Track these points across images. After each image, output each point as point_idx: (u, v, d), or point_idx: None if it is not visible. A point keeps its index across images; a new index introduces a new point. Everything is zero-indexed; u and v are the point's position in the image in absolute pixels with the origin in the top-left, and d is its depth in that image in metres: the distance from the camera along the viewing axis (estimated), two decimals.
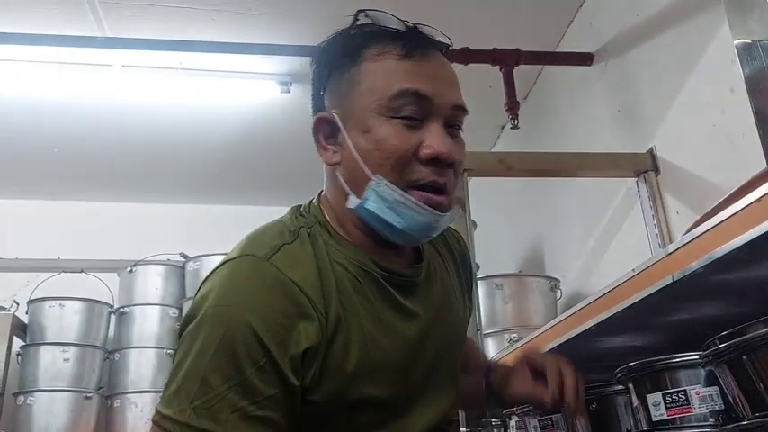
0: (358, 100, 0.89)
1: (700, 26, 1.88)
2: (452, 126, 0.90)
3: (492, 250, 2.91)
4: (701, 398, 0.94)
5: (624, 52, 2.27)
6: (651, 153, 2.07)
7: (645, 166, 2.05)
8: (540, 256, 2.83)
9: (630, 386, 1.03)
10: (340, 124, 0.90)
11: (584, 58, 2.42)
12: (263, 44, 2.42)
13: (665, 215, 2.00)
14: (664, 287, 0.94)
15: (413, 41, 0.90)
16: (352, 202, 0.89)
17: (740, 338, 0.79)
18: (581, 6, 2.51)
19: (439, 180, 0.87)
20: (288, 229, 0.90)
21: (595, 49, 2.41)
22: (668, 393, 0.97)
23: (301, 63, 2.69)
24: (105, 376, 3.35)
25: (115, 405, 3.28)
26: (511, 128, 2.28)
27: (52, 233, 3.81)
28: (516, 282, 2.48)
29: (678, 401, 0.96)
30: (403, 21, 0.93)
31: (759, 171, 1.06)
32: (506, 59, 2.32)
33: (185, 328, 0.82)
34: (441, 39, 0.94)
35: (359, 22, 0.94)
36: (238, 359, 0.77)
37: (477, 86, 2.70)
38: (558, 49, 2.56)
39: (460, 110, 0.90)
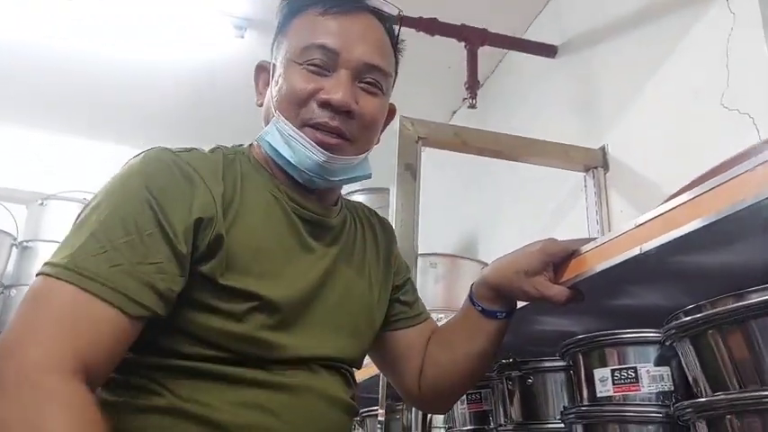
0: (283, 50, 0.98)
1: (665, 31, 1.88)
2: (367, 83, 0.97)
3: (432, 227, 2.86)
4: (651, 377, 0.90)
5: (588, 49, 2.25)
6: (603, 150, 2.06)
7: (595, 162, 2.04)
8: (477, 239, 2.81)
9: (579, 359, 0.99)
10: (270, 73, 1.00)
11: (549, 50, 2.40)
12: None
13: (608, 212, 2.00)
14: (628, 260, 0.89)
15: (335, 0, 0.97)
16: (258, 135, 0.99)
17: (709, 311, 0.74)
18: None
19: (330, 122, 0.93)
20: (204, 149, 0.97)
21: (560, 43, 2.40)
22: (617, 369, 0.93)
23: (257, 9, 2.56)
24: None
25: None
26: (468, 107, 2.24)
27: None
28: (450, 262, 2.43)
29: (627, 378, 0.92)
30: None
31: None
32: (472, 37, 2.28)
33: (88, 204, 0.87)
34: (377, 5, 1.01)
35: None
36: (128, 224, 0.82)
37: (436, 65, 2.66)
38: (524, 37, 2.53)
39: (372, 68, 0.97)
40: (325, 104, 0.93)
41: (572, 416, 0.98)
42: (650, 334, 0.92)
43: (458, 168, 2.91)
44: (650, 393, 0.89)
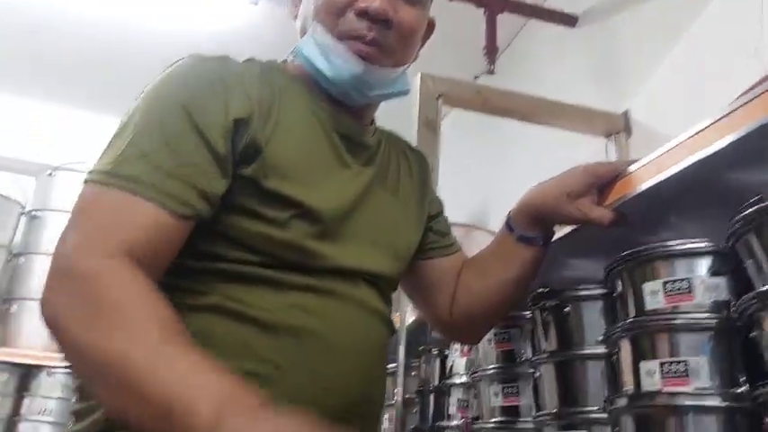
0: None
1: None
2: None
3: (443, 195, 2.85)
4: (705, 286, 0.89)
5: (609, 17, 2.25)
6: (626, 115, 2.05)
7: (617, 128, 2.03)
8: (489, 209, 2.79)
9: (625, 276, 0.97)
10: None
11: (569, 19, 2.39)
12: None
13: None
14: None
15: None
16: (294, 48, 0.96)
17: None
18: None
19: (368, 33, 0.91)
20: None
21: (581, 11, 2.39)
22: (669, 281, 0.91)
23: None
24: (5, 279, 3.09)
25: (12, 310, 3.03)
26: (487, 72, 2.22)
27: None
28: (464, 233, 2.41)
29: (679, 289, 0.90)
30: None
31: None
32: (492, 4, 2.27)
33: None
34: None
35: None
36: (165, 128, 0.81)
37: (458, 29, 2.64)
38: (544, 6, 2.53)
39: None
40: (362, 13, 0.91)
41: (617, 332, 0.96)
42: (703, 244, 0.90)
43: (471, 135, 2.88)
44: (704, 303, 0.88)
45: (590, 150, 2.15)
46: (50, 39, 3.10)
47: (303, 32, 0.97)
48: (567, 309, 1.12)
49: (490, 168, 2.87)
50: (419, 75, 1.81)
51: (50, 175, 3.26)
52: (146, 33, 3.02)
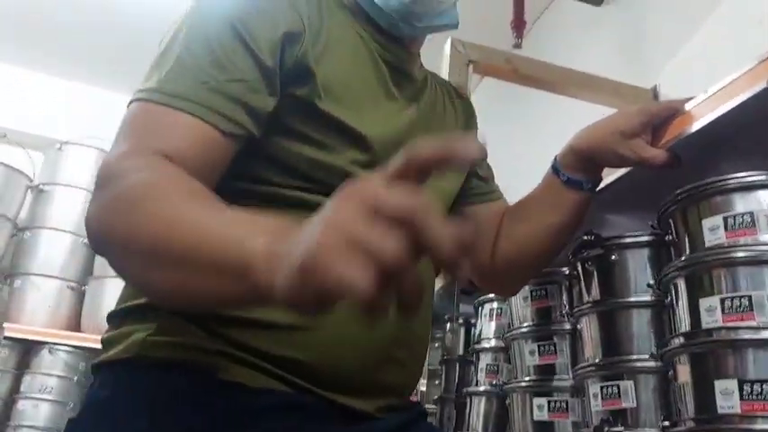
0: None
1: None
2: None
3: None
4: None
5: None
6: (654, 90, 2.01)
7: (647, 102, 1.99)
8: (515, 178, 2.74)
9: (679, 216, 0.93)
10: None
11: None
12: None
13: None
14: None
15: None
16: None
17: None
18: None
19: None
20: None
21: None
22: (731, 216, 0.87)
23: None
24: (10, 254, 3.04)
25: (15, 285, 2.98)
26: (513, 46, 2.18)
27: None
28: None
29: (742, 224, 0.86)
30: None
31: None
32: None
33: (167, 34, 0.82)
34: None
35: None
36: (212, 43, 0.77)
37: (482, 7, 2.61)
38: None
39: None
40: None
41: (672, 271, 0.92)
42: (764, 176, 0.86)
43: (500, 104, 2.82)
44: None
45: None
46: (62, 15, 3.06)
47: None
48: (613, 257, 1.07)
49: (518, 139, 2.82)
50: (449, 40, 1.76)
51: (59, 149, 3.21)
52: (163, 8, 2.98)
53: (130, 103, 0.76)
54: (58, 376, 2.86)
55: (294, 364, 0.76)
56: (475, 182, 1.10)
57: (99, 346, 2.68)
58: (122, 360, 0.77)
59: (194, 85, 0.74)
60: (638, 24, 2.19)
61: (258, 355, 0.75)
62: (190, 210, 0.62)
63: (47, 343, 2.88)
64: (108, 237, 0.66)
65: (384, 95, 0.90)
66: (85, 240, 3.07)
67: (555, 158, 1.06)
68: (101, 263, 3.02)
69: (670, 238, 0.96)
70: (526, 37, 2.25)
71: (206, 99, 0.74)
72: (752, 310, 0.81)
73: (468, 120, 1.11)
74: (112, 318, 0.85)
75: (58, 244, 3.05)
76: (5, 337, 2.74)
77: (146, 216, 0.62)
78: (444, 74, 1.74)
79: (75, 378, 2.87)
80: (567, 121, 2.38)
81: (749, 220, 0.85)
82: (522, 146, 2.75)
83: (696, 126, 0.94)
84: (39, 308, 2.95)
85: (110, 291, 2.93)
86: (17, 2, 3.04)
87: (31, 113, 3.46)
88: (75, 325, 2.99)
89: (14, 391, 2.84)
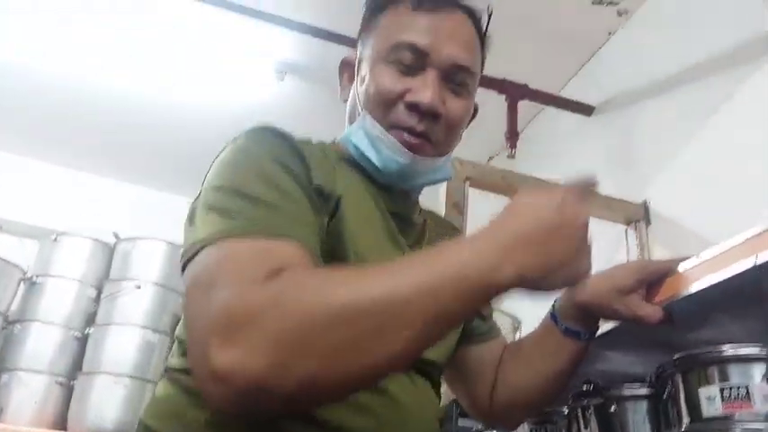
0: (371, 46, 0.96)
1: (707, 93, 1.92)
2: (455, 83, 0.93)
3: None
4: (764, 395, 0.86)
5: (626, 108, 2.30)
6: (645, 205, 2.06)
7: (637, 216, 2.04)
8: None
9: (679, 379, 0.94)
10: (356, 68, 0.98)
11: (586, 109, 2.44)
12: (260, 11, 2.28)
13: None
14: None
15: None
16: (342, 135, 0.97)
17: None
18: (587, 61, 2.56)
19: (416, 127, 0.91)
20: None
21: (597, 102, 2.44)
22: (727, 388, 0.88)
23: (298, 51, 2.59)
24: None
25: (2, 381, 2.92)
26: (507, 156, 2.25)
27: None
28: None
29: (738, 396, 0.87)
30: None
31: None
32: (513, 91, 2.32)
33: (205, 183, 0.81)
34: (468, 3, 0.98)
35: None
36: (266, 179, 0.76)
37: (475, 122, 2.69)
38: (561, 94, 2.58)
39: (461, 69, 0.93)
40: (413, 107, 0.91)
41: None
42: (758, 350, 0.88)
43: (488, 211, 2.88)
44: (763, 411, 0.85)
45: (611, 236, 2.15)
46: (67, 106, 3.12)
47: (351, 117, 0.98)
48: (612, 408, 1.08)
49: None
50: None
51: (55, 240, 3.21)
52: (171, 106, 3.05)
53: (195, 254, 0.69)
54: None
55: None
56: (476, 321, 1.11)
57: None
58: None
59: (268, 213, 0.72)
60: (628, 137, 2.26)
61: None
62: (395, 274, 0.63)
63: None
64: (304, 352, 0.57)
65: (392, 247, 0.93)
66: (76, 333, 3.06)
67: (553, 306, 1.08)
68: (90, 357, 2.99)
69: (666, 397, 0.97)
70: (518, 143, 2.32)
71: (290, 226, 0.72)
72: None
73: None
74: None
75: (47, 337, 3.01)
76: None
77: (353, 293, 0.60)
78: (443, 190, 1.79)
79: None
80: None
81: (744, 392, 0.86)
82: None
83: (688, 290, 0.96)
84: (25, 404, 2.88)
85: (98, 386, 2.89)
86: (15, 91, 3.10)
87: (27, 202, 3.48)
88: (62, 422, 2.91)
89: None
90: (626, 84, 2.33)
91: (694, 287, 0.95)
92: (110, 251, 3.26)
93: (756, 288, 0.91)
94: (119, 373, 2.91)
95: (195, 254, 0.68)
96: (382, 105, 0.92)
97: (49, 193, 3.57)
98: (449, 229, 1.14)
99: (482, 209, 2.96)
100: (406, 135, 0.91)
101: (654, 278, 1.00)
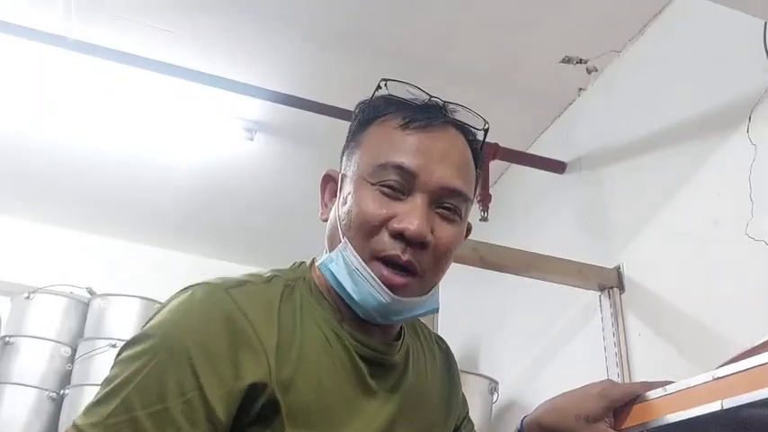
0: (356, 163, 0.90)
1: (681, 158, 1.93)
2: (445, 208, 0.87)
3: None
4: None
5: (599, 168, 2.30)
6: (618, 270, 2.06)
7: (610, 282, 2.04)
8: (478, 352, 2.75)
9: None
10: (338, 185, 0.91)
11: (558, 166, 2.44)
12: (230, 80, 2.29)
13: (625, 335, 1.98)
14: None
15: (416, 112, 0.89)
16: (321, 260, 0.90)
17: None
18: (558, 116, 2.57)
19: (402, 256, 0.84)
20: (264, 275, 0.89)
21: (568, 160, 2.45)
22: None
23: (267, 112, 2.58)
24: None
25: None
26: (480, 219, 2.24)
27: None
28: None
29: None
30: (426, 93, 0.92)
31: None
32: (486, 151, 2.31)
33: (125, 350, 0.79)
34: (462, 118, 0.92)
35: (380, 92, 0.93)
36: (165, 388, 0.73)
37: None
38: (530, 151, 2.59)
39: (452, 192, 0.87)
40: (398, 235, 0.84)
41: None
42: None
43: (460, 276, 2.89)
44: None
45: (584, 301, 2.16)
46: (39, 164, 3.09)
47: (332, 240, 0.90)
48: None
49: (479, 311, 2.86)
50: None
51: (28, 297, 3.16)
52: (142, 164, 3.03)
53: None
54: None
55: None
56: None
57: None
58: None
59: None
60: (600, 197, 2.27)
61: None
62: None
63: None
64: None
65: (363, 395, 0.87)
66: (52, 394, 3.00)
67: (522, 422, 1.07)
68: (66, 420, 2.93)
69: None
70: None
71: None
72: None
73: (449, 367, 1.08)
74: None
75: (21, 400, 2.95)
76: None
77: None
78: None
79: None
80: (536, 296, 2.44)
81: None
82: (493, 320, 2.78)
83: (655, 421, 0.96)
84: None
85: None
86: None
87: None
88: None
89: None
90: (598, 141, 2.34)
91: (660, 420, 0.96)
92: (84, 308, 3.21)
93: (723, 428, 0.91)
94: None
95: (73, 427, 0.74)
96: (364, 231, 0.85)
97: (19, 248, 3.52)
98: (432, 344, 1.07)
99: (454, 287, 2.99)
100: (386, 272, 0.84)
101: (619, 404, 0.99)
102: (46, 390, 2.99)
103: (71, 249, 3.59)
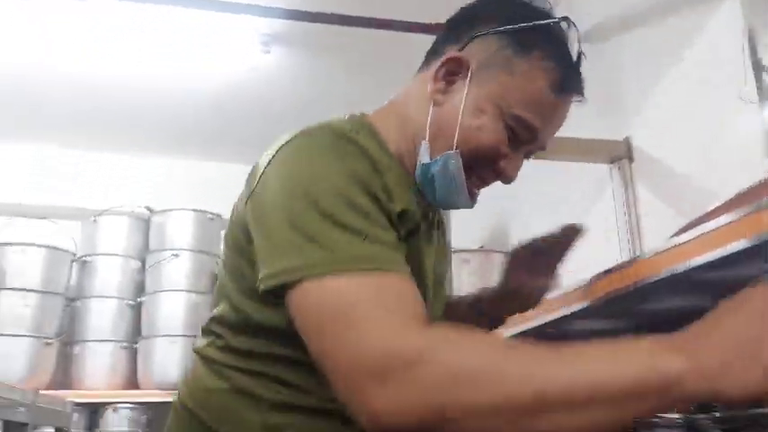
0: (498, 81, 0.88)
1: (689, 21, 1.92)
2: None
3: (461, 221, 2.96)
4: None
5: (606, 40, 2.29)
6: (627, 141, 2.12)
7: (620, 154, 2.10)
8: (508, 230, 2.89)
9: None
10: (468, 78, 0.89)
11: None
12: (243, 4, 2.35)
13: (635, 204, 2.07)
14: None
15: (570, 80, 0.90)
16: (424, 152, 0.90)
17: None
18: None
19: (488, 182, 0.93)
20: (342, 119, 0.90)
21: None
22: None
23: (283, 25, 2.64)
24: (66, 324, 3.32)
25: (75, 352, 3.27)
26: None
27: (16, 176, 3.71)
28: (483, 257, 2.54)
29: None
30: (580, 47, 0.93)
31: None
32: None
33: (278, 206, 0.77)
34: (584, 88, 0.94)
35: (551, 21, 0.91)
36: (356, 206, 0.74)
37: None
38: None
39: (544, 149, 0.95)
40: (499, 173, 0.91)
41: None
42: None
43: None
44: None
45: (596, 175, 2.23)
46: (80, 93, 3.27)
47: (438, 130, 0.90)
48: None
49: (504, 192, 2.96)
50: None
51: (95, 220, 3.46)
52: (166, 79, 3.17)
53: (302, 280, 0.71)
54: None
55: None
56: None
57: (157, 399, 2.95)
58: None
59: (371, 249, 0.72)
60: (610, 70, 2.27)
61: None
62: (562, 360, 0.64)
63: (109, 403, 3.17)
64: (462, 410, 0.62)
65: (426, 246, 0.95)
66: (129, 302, 3.36)
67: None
68: (146, 322, 3.29)
69: None
70: None
71: (391, 259, 0.74)
72: None
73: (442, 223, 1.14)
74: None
75: (105, 309, 3.32)
76: (75, 403, 3.00)
77: (528, 372, 0.63)
78: None
79: (140, 431, 3.18)
80: (551, 172, 2.52)
81: None
82: (511, 197, 2.88)
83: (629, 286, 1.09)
84: (98, 371, 3.24)
85: (158, 347, 3.21)
86: (36, 89, 3.26)
87: (60, 186, 3.73)
88: (133, 382, 3.27)
89: None
90: (603, 13, 2.31)
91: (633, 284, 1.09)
92: (145, 224, 3.51)
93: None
94: (173, 334, 3.22)
95: (298, 281, 0.71)
96: (479, 155, 0.89)
97: (80, 175, 3.80)
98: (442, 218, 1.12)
99: None
100: (475, 189, 0.93)
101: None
102: (124, 299, 3.35)
103: (126, 172, 3.86)
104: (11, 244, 3.20)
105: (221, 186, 3.78)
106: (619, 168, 2.11)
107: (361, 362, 0.65)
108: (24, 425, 1.94)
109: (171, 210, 3.45)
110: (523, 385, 0.61)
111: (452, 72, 0.91)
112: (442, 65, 0.91)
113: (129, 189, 3.70)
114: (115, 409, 3.17)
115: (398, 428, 0.63)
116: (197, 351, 0.91)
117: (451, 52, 0.91)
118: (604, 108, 2.26)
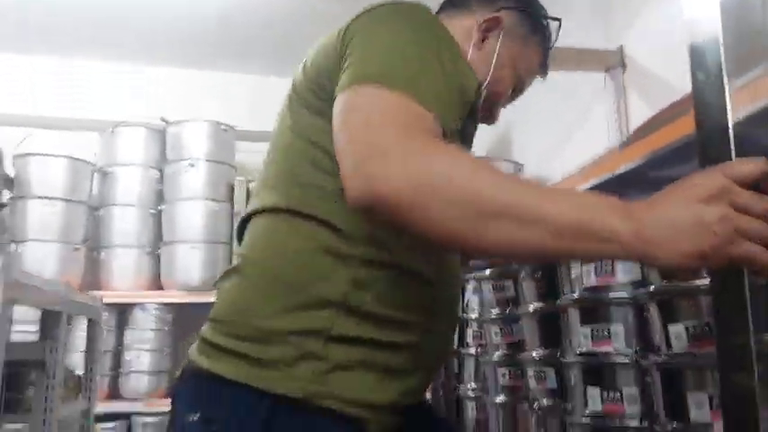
0: (517, 49, 1.10)
1: None
2: None
3: None
4: None
5: None
6: (620, 50, 2.19)
7: (613, 63, 2.18)
8: (510, 138, 3.00)
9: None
10: (500, 38, 1.08)
11: None
12: None
13: (626, 110, 2.17)
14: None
15: (547, 65, 1.18)
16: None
17: None
18: None
19: (481, 122, 1.12)
20: None
21: None
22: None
23: None
24: (90, 231, 3.51)
25: (101, 257, 3.48)
26: None
27: (36, 89, 3.82)
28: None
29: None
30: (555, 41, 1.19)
31: None
32: None
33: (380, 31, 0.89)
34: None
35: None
36: (440, 54, 0.88)
37: None
38: None
39: None
40: (492, 113, 1.14)
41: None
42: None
43: None
44: None
45: (592, 83, 2.32)
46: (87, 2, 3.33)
47: (481, 60, 1.07)
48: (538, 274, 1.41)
49: (509, 106, 3.04)
50: None
51: (112, 132, 3.59)
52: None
53: (362, 82, 0.82)
54: (152, 330, 3.40)
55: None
56: None
57: (180, 300, 3.14)
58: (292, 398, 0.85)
59: (436, 87, 0.85)
60: None
61: None
62: (529, 189, 0.73)
63: (137, 303, 3.41)
64: (436, 200, 0.72)
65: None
66: (151, 210, 3.54)
67: None
68: (167, 229, 3.48)
69: None
70: None
71: (445, 105, 0.86)
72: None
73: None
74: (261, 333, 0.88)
75: (127, 216, 3.51)
76: (104, 303, 3.24)
77: (490, 186, 0.72)
78: None
79: (167, 329, 3.43)
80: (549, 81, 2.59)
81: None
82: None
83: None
84: (124, 274, 3.46)
85: (180, 252, 3.41)
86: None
87: (77, 98, 3.84)
88: (158, 284, 3.50)
89: (119, 344, 3.42)
90: None
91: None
92: (161, 135, 3.63)
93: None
94: (194, 240, 3.41)
95: (358, 82, 0.83)
96: (491, 98, 1.09)
97: (95, 87, 3.90)
98: None
99: None
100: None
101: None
102: (146, 207, 3.52)
103: (140, 83, 3.95)
104: (33, 154, 3.34)
105: (234, 97, 3.92)
106: (613, 77, 2.20)
107: (374, 141, 0.76)
108: (59, 313, 2.12)
109: (185, 121, 3.56)
110: (494, 190, 0.71)
111: (488, 29, 1.08)
112: (485, 21, 1.08)
113: (144, 101, 3.81)
114: (143, 309, 3.40)
115: (381, 199, 0.73)
116: (275, 209, 0.94)
117: (489, 13, 1.08)
118: (598, 18, 2.32)
